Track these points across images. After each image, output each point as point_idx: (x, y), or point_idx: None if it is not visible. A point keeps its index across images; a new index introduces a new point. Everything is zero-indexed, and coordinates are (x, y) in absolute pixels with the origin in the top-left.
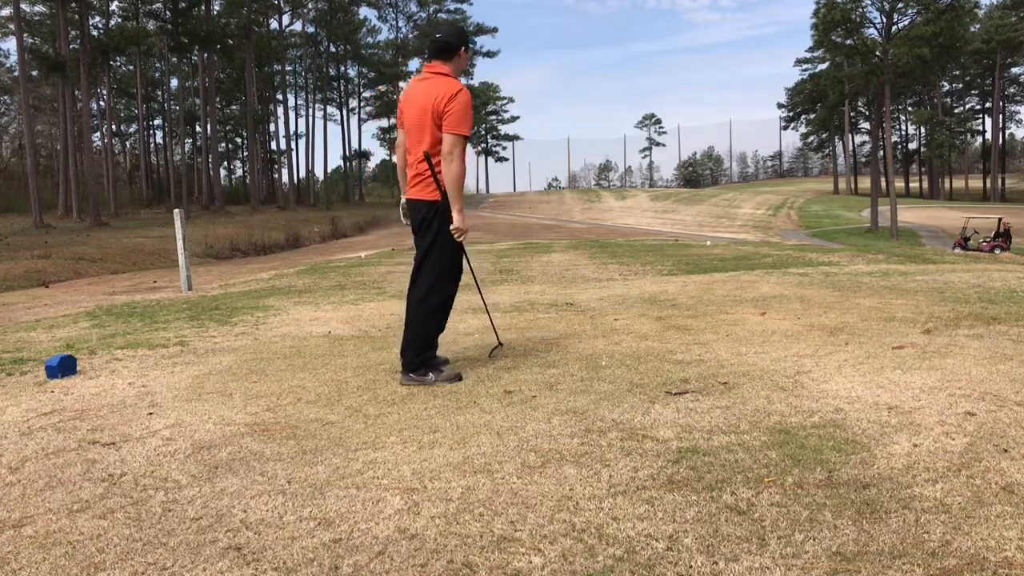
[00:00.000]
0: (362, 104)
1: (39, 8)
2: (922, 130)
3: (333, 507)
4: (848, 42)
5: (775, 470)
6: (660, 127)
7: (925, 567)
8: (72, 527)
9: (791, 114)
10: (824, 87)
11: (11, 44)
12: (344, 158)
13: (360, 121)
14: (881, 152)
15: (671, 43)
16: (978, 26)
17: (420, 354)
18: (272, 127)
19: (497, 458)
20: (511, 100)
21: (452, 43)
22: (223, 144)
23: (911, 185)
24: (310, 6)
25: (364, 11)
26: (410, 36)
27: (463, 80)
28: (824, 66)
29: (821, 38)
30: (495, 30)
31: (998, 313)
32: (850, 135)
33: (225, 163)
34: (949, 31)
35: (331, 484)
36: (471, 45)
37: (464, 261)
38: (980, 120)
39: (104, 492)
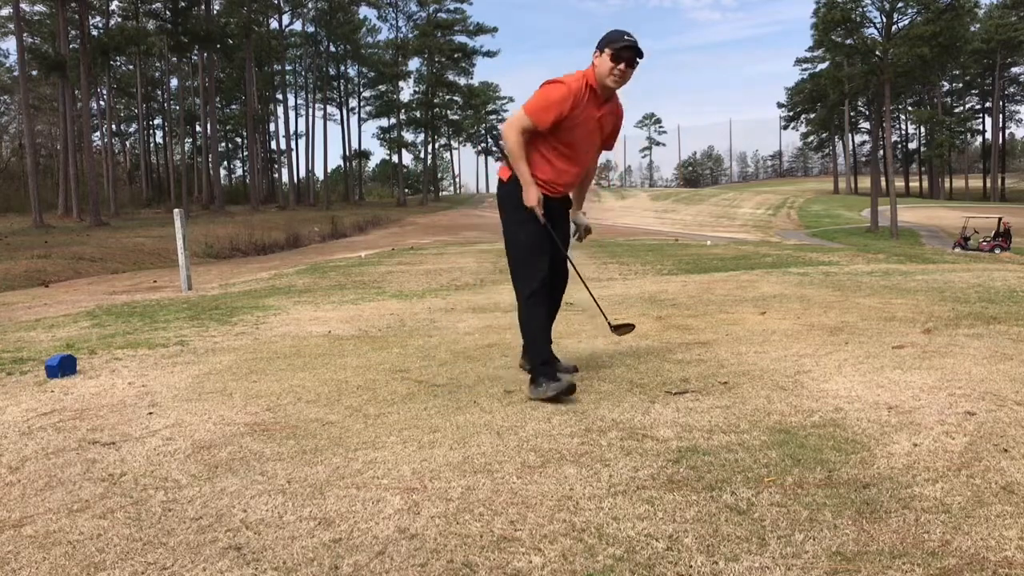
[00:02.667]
0: (362, 104)
1: (39, 8)
2: (922, 130)
3: (333, 507)
4: (848, 42)
5: (775, 470)
6: (660, 126)
7: (925, 567)
8: (72, 527)
9: (791, 114)
10: (824, 87)
11: (11, 44)
12: (344, 158)
13: (360, 121)
14: (881, 152)
15: (672, 42)
16: (978, 26)
17: (530, 361)
18: (272, 127)
19: (497, 458)
20: (511, 100)
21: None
22: (223, 144)
23: (911, 185)
24: (310, 6)
25: (364, 11)
26: (410, 36)
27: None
28: (824, 66)
29: (821, 38)
30: (495, 30)
31: (998, 313)
32: (850, 135)
33: (225, 163)
34: (949, 31)
35: (331, 484)
36: (605, 48)
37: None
38: (980, 120)
39: (104, 492)
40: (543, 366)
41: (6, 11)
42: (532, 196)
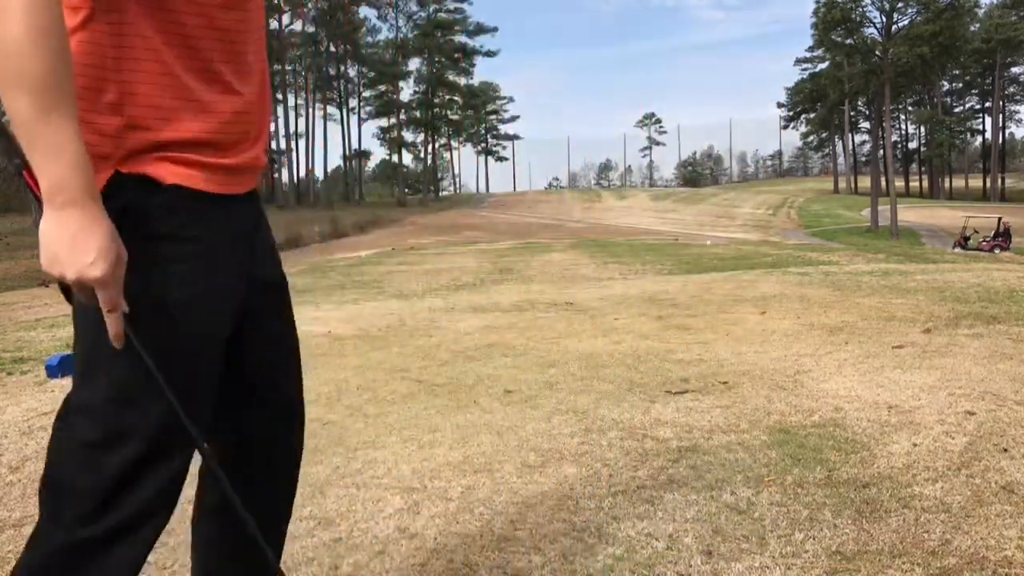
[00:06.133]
0: (362, 104)
1: None
2: (922, 130)
3: (333, 507)
4: (848, 41)
5: (775, 470)
6: (660, 126)
7: (925, 566)
8: None
9: (791, 113)
10: (824, 86)
11: None
12: (344, 158)
13: (360, 121)
14: (881, 152)
15: (672, 41)
16: (978, 25)
17: None
18: (272, 127)
19: (497, 458)
20: (511, 99)
21: None
22: None
23: (911, 184)
24: (310, 6)
25: (364, 11)
26: (410, 36)
27: None
28: (824, 65)
29: (821, 37)
30: (495, 30)
31: (998, 313)
32: (850, 135)
33: None
34: (949, 30)
35: (331, 484)
36: None
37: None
38: (980, 120)
39: None
40: None
41: None
42: (92, 243)
